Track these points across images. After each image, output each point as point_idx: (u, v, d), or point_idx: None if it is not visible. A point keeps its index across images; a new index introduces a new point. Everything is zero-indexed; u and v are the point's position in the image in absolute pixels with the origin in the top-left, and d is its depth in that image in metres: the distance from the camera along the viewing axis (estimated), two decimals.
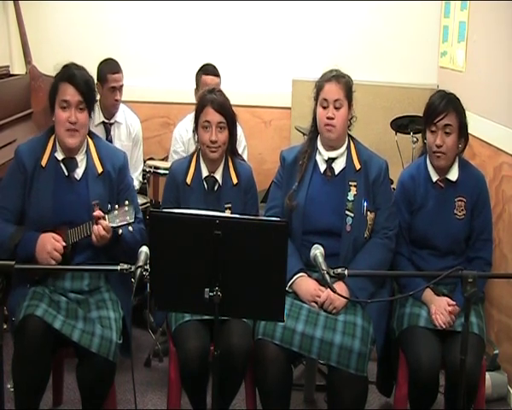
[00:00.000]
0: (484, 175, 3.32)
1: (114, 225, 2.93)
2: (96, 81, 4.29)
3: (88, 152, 3.12)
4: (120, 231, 2.98)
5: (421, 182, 3.24)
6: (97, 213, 2.93)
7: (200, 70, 4.47)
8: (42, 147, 3.08)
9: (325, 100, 3.14)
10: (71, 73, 3.03)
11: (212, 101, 3.23)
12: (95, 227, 2.92)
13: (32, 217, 3.01)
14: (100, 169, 3.10)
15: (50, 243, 2.93)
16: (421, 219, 3.22)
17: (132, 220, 2.94)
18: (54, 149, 3.08)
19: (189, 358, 2.95)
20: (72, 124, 2.99)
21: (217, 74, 4.43)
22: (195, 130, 3.31)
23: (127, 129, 4.56)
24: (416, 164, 3.34)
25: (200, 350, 2.94)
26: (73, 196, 3.05)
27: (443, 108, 3.11)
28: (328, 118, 3.12)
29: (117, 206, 2.96)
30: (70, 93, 3.00)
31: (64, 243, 2.96)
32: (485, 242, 3.24)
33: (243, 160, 3.51)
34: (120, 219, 2.94)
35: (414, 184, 3.25)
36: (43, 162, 3.05)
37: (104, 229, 2.91)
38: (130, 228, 2.98)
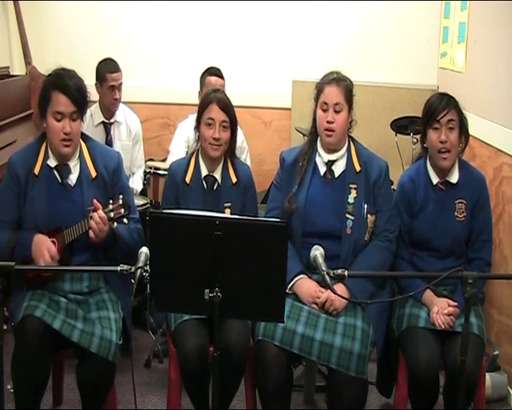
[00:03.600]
0: (484, 176, 3.32)
1: (109, 217, 2.93)
2: (95, 81, 4.33)
3: (81, 156, 3.10)
4: (115, 224, 2.97)
5: (422, 184, 3.24)
6: (95, 202, 2.93)
7: (205, 72, 4.48)
8: (34, 155, 3.06)
9: (325, 103, 3.13)
10: (64, 83, 2.99)
11: (217, 99, 3.24)
12: (91, 220, 2.91)
13: (27, 226, 3.01)
14: (94, 173, 3.09)
15: (44, 244, 2.93)
16: (422, 221, 3.22)
17: (127, 212, 2.95)
18: (46, 157, 3.06)
19: (188, 356, 2.95)
20: (66, 135, 2.99)
21: (221, 76, 4.43)
22: (197, 127, 3.31)
23: (127, 128, 4.57)
24: (415, 167, 3.33)
25: (200, 349, 2.94)
26: (68, 204, 3.04)
27: (445, 105, 3.13)
28: (327, 122, 3.12)
29: (111, 201, 2.96)
30: (63, 103, 2.97)
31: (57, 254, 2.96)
32: (485, 242, 3.24)
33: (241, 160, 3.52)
34: (115, 211, 2.94)
35: (414, 187, 3.24)
36: (36, 171, 3.03)
37: (101, 219, 2.91)
38: (125, 220, 2.98)
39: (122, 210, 2.94)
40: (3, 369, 2.45)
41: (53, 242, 2.98)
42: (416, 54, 5.22)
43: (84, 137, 3.17)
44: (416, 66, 5.22)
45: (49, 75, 3.08)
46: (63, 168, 3.06)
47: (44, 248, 2.92)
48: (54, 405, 3.52)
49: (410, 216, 3.25)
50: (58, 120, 2.98)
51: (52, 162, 3.07)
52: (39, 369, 2.86)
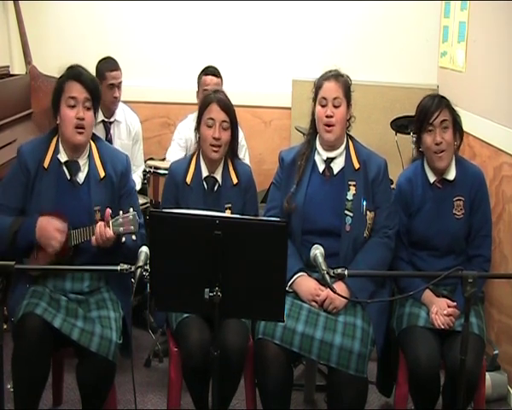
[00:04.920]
0: (482, 171, 3.32)
1: (118, 233, 2.92)
2: None
3: (90, 156, 3.10)
4: (124, 239, 2.97)
5: (419, 184, 3.24)
6: (107, 214, 2.92)
7: (201, 72, 4.50)
8: (44, 148, 3.07)
9: (324, 98, 3.14)
10: (77, 72, 3.04)
11: (218, 99, 3.24)
12: (97, 227, 2.91)
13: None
14: (102, 174, 3.09)
15: (51, 224, 2.93)
16: (421, 220, 3.22)
17: (136, 230, 2.93)
18: (56, 151, 3.07)
19: (191, 353, 2.95)
20: (80, 120, 2.98)
21: (216, 75, 4.44)
22: (197, 128, 3.31)
23: (127, 127, 4.58)
24: (412, 167, 3.33)
25: (203, 344, 2.93)
26: (75, 201, 3.04)
27: (436, 106, 3.14)
28: (327, 116, 3.12)
29: (121, 213, 2.95)
30: (77, 90, 3.00)
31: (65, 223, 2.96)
32: (485, 238, 3.24)
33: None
34: (124, 227, 2.93)
35: (411, 187, 3.25)
36: (46, 164, 3.04)
37: (107, 237, 2.91)
38: (134, 237, 2.97)
39: (132, 227, 2.92)
40: (3, 368, 2.45)
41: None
42: (416, 53, 5.22)
43: (94, 137, 3.17)
44: (416, 65, 5.22)
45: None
46: (73, 164, 3.07)
47: (52, 229, 2.92)
48: (54, 404, 3.52)
49: (409, 216, 3.25)
50: (71, 107, 2.99)
51: (62, 157, 3.07)
52: (39, 367, 2.86)
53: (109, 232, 2.91)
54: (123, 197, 3.12)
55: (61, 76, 3.07)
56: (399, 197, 3.27)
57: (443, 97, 3.20)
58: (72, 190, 3.06)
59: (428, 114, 3.14)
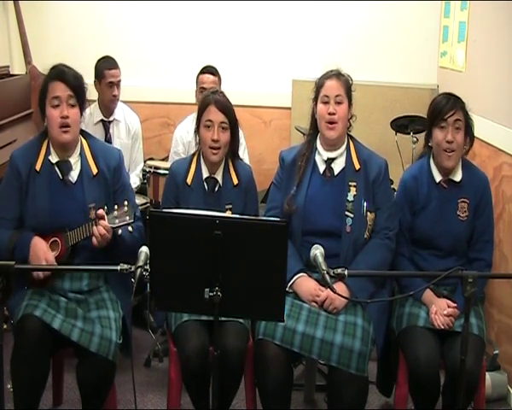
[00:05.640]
0: (487, 177, 3.32)
1: (114, 225, 2.93)
2: (94, 79, 4.34)
3: (82, 153, 3.10)
4: (120, 231, 2.97)
5: (424, 182, 3.23)
6: (100, 211, 2.92)
7: (199, 71, 4.50)
8: (35, 151, 3.07)
9: (326, 96, 3.14)
10: (59, 71, 3.03)
11: (215, 100, 3.23)
12: (95, 228, 2.91)
13: (29, 222, 3.01)
14: (95, 170, 3.08)
15: (42, 254, 2.93)
16: (424, 219, 3.22)
17: (132, 220, 2.93)
18: (47, 153, 3.07)
19: (189, 358, 2.95)
20: (64, 119, 2.98)
21: (213, 73, 4.44)
22: (197, 130, 3.31)
23: (126, 127, 4.58)
24: (417, 165, 3.33)
25: (200, 350, 2.94)
26: (69, 200, 3.04)
27: (452, 105, 3.14)
28: (329, 113, 3.12)
29: (116, 206, 2.95)
30: (60, 89, 2.99)
31: (54, 254, 2.96)
32: (486, 243, 3.24)
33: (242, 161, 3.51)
34: (120, 219, 2.92)
35: (416, 185, 3.24)
36: (38, 167, 3.04)
37: (104, 229, 2.91)
38: (130, 228, 2.97)
39: (127, 218, 2.92)
40: (3, 368, 2.45)
41: (56, 241, 2.98)
42: (416, 53, 5.22)
43: (85, 134, 3.17)
44: (416, 65, 5.22)
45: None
46: (64, 164, 3.06)
47: (42, 259, 2.91)
48: (54, 404, 3.52)
49: (412, 214, 3.24)
50: (56, 106, 2.99)
51: (53, 158, 3.07)
52: (38, 368, 2.86)
53: (104, 223, 2.90)
54: (117, 192, 3.11)
55: (45, 77, 3.07)
56: (404, 194, 3.26)
57: (459, 98, 3.19)
58: (65, 190, 3.06)
59: (443, 111, 3.13)
